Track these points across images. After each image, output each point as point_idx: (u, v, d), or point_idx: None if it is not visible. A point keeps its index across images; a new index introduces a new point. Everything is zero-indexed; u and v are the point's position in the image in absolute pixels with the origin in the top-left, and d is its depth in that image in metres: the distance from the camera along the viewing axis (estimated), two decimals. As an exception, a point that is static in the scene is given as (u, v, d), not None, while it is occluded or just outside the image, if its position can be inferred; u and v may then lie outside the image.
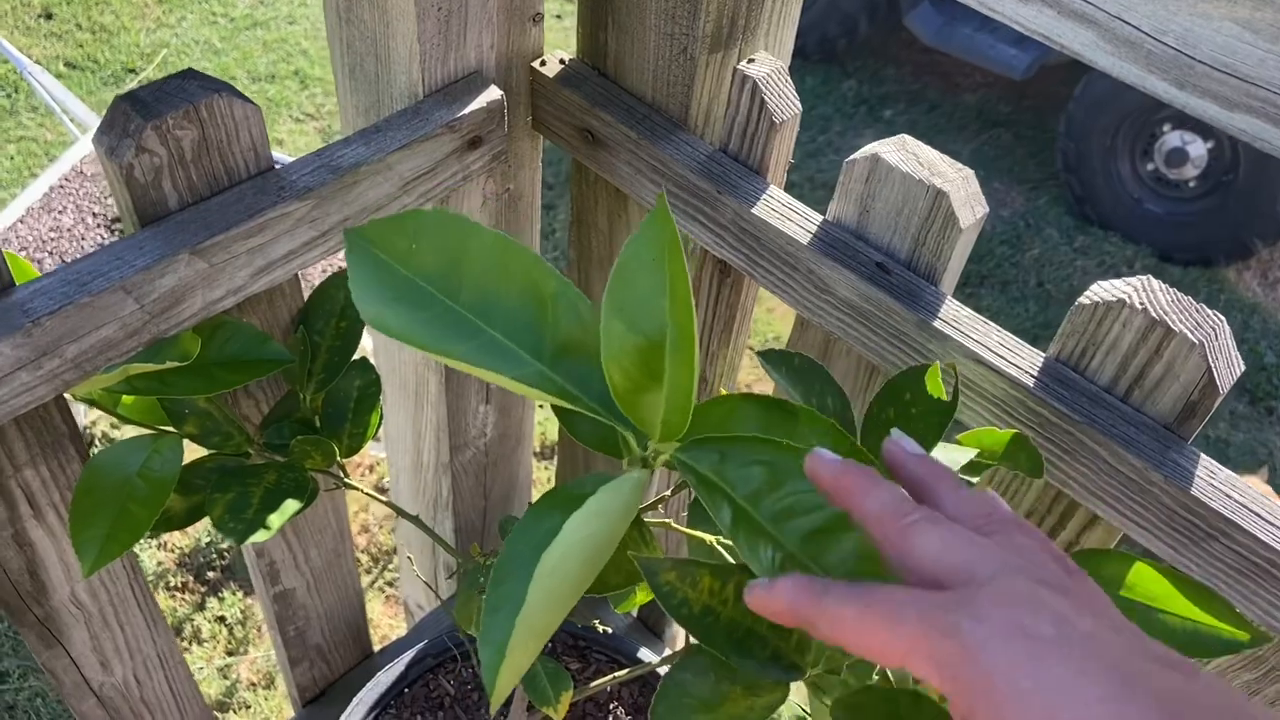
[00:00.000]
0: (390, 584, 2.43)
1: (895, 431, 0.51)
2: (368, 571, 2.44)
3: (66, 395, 0.79)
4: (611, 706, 1.16)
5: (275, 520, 0.81)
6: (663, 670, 1.18)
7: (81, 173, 2.57)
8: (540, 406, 2.78)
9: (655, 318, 0.50)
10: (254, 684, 2.24)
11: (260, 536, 0.79)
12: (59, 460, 0.80)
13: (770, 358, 0.63)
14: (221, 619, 2.33)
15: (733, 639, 0.52)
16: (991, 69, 3.70)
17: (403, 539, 1.43)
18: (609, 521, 0.49)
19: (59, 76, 3.65)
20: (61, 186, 2.57)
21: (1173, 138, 3.46)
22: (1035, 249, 3.48)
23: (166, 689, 1.04)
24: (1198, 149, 3.43)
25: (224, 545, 2.43)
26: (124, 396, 0.82)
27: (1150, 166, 3.53)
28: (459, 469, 1.21)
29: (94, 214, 2.53)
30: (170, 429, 0.84)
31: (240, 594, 2.38)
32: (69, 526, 0.76)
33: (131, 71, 3.67)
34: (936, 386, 0.61)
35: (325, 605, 1.17)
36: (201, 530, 2.45)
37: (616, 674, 0.90)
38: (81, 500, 0.76)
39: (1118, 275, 3.44)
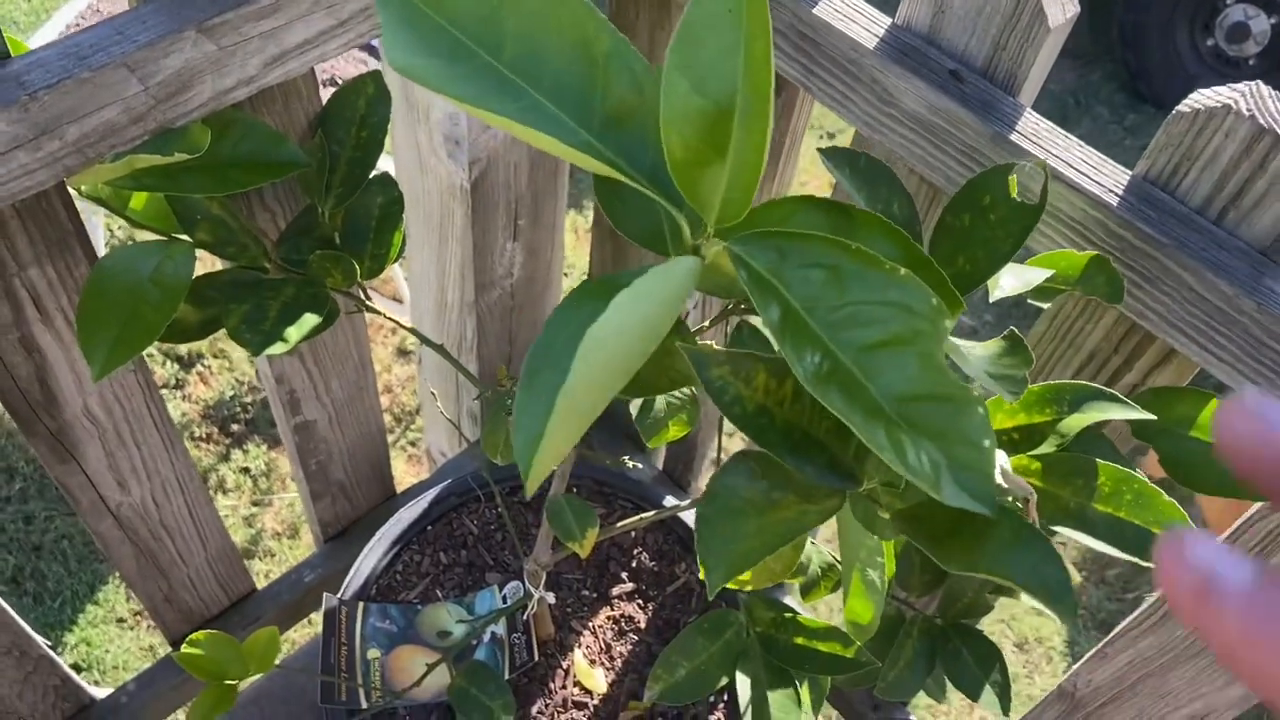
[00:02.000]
0: (413, 443, 2.43)
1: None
2: (390, 431, 2.43)
3: (73, 192, 0.74)
4: (635, 552, 1.14)
5: (293, 334, 0.77)
6: (687, 515, 1.15)
7: (98, 10, 2.48)
8: (565, 274, 2.72)
9: (727, 78, 0.43)
10: (278, 533, 2.26)
11: (277, 349, 0.75)
12: (66, 262, 0.75)
13: (834, 156, 0.57)
14: (246, 470, 2.34)
15: (789, 441, 0.48)
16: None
17: (426, 379, 1.39)
18: (658, 305, 0.44)
19: (72, -85, 3.50)
20: (78, 24, 2.48)
21: (1235, 11, 3.27)
22: (1084, 126, 3.34)
23: (186, 513, 1.02)
24: (1260, 24, 3.25)
25: (248, 399, 2.42)
26: (133, 197, 0.77)
27: (1210, 42, 3.35)
28: (484, 310, 1.16)
29: (110, 56, 2.45)
30: (183, 236, 0.79)
31: (265, 446, 2.38)
32: (76, 326, 0.72)
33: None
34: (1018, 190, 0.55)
35: (348, 441, 1.14)
36: (226, 383, 2.44)
37: (643, 514, 0.87)
38: (89, 301, 0.72)
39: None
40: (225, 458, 2.34)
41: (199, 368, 2.48)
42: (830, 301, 0.44)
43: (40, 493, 2.24)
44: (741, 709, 0.81)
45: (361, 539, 1.14)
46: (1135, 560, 0.52)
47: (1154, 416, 0.55)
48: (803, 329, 0.44)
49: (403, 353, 2.61)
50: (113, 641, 2.10)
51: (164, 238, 0.78)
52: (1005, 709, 0.87)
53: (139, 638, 2.10)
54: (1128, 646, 0.88)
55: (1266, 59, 3.30)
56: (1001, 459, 0.57)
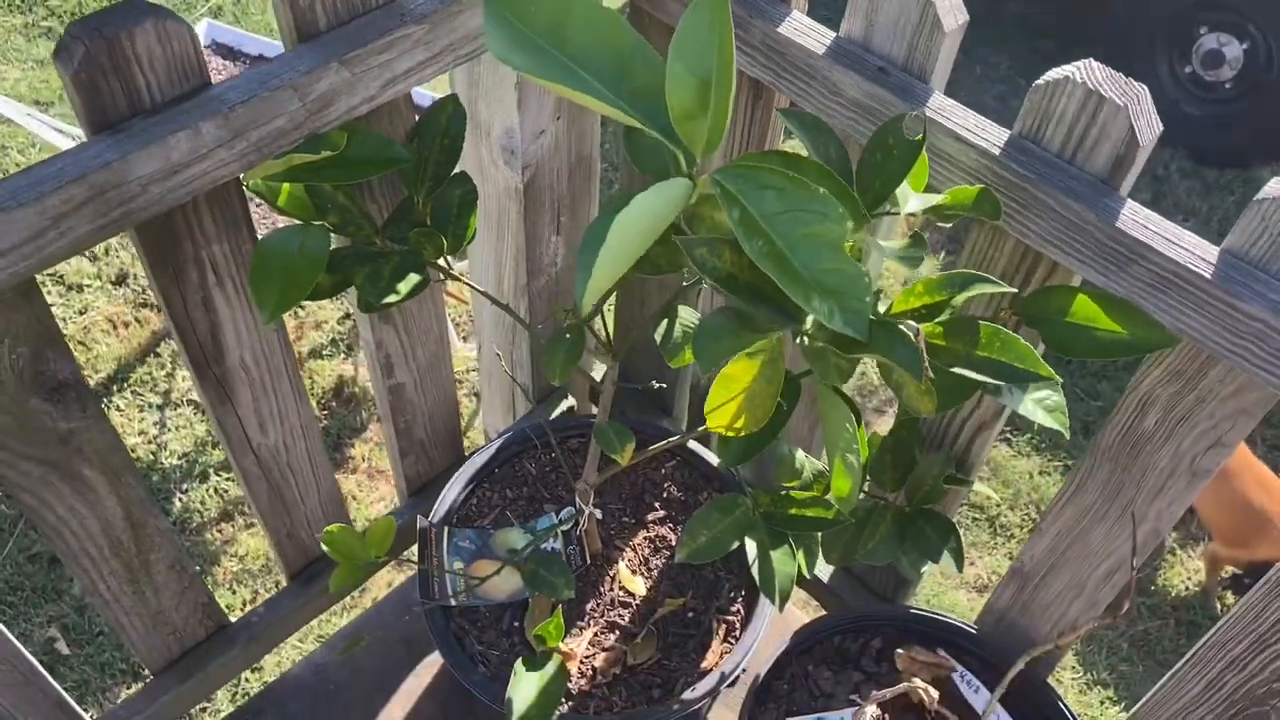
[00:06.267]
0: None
1: None
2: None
3: (243, 185, 1.01)
4: (666, 485, 1.38)
5: (403, 288, 1.03)
6: (708, 455, 1.39)
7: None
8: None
9: (706, 63, 0.69)
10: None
11: (391, 299, 1.02)
12: (235, 240, 1.02)
13: (787, 114, 0.83)
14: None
15: (750, 294, 0.73)
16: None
17: (490, 347, 1.65)
18: (663, 203, 0.69)
19: None
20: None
21: (1209, 39, 3.53)
22: (1071, 151, 3.58)
23: (307, 458, 1.28)
24: (1234, 50, 3.50)
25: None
26: (282, 190, 1.04)
27: (1187, 69, 3.61)
28: (534, 294, 1.43)
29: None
30: (318, 221, 1.06)
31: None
32: (250, 283, 0.98)
33: (207, -1, 3.89)
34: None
35: (429, 403, 1.40)
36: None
37: (670, 438, 1.11)
38: (258, 266, 0.98)
39: (1153, 178, 3.54)
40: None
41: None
42: (774, 209, 0.70)
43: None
44: (749, 563, 1.04)
45: (439, 493, 1.38)
46: (995, 383, 0.76)
47: (1014, 290, 0.80)
48: (753, 223, 0.69)
49: (464, 359, 2.87)
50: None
51: (303, 223, 1.05)
52: (959, 567, 1.10)
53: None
54: (1056, 519, 1.11)
55: (1242, 82, 3.55)
56: (913, 325, 0.82)
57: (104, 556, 1.11)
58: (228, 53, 2.90)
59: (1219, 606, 2.58)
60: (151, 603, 1.21)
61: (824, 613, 1.47)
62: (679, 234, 0.79)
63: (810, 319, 0.75)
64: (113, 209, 0.85)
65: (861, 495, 1.18)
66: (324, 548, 1.06)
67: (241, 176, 0.97)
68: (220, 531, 2.52)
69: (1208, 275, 0.82)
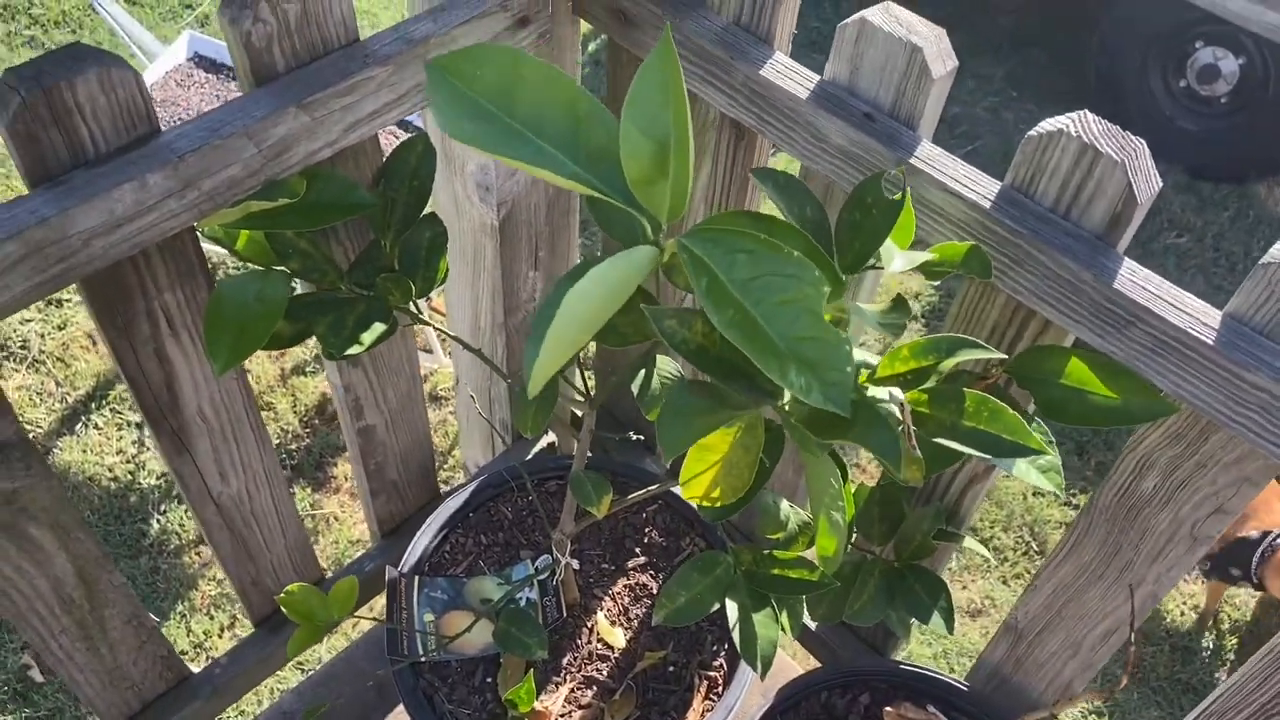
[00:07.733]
0: (445, 482, 2.63)
1: None
2: (427, 464, 2.62)
3: (198, 232, 0.96)
4: (647, 530, 1.34)
5: (367, 338, 0.98)
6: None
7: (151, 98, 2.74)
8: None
9: (661, 126, 0.65)
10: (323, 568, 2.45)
11: (355, 350, 0.97)
12: (191, 287, 0.97)
13: (760, 174, 0.78)
14: (295, 508, 2.53)
15: (721, 369, 0.68)
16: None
17: (465, 384, 1.60)
18: (622, 273, 0.64)
19: (124, 13, 3.81)
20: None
21: (1205, 54, 3.49)
22: (1065, 166, 3.54)
23: (271, 505, 1.23)
24: (1229, 65, 3.46)
25: (293, 446, 2.64)
26: (241, 235, 0.99)
27: (1182, 83, 3.57)
28: (512, 330, 1.38)
29: (167, 138, 2.70)
30: (279, 267, 1.01)
31: (309, 490, 2.59)
32: (204, 333, 0.93)
33: (189, 6, 3.84)
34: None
35: (400, 445, 1.35)
36: (272, 433, 2.66)
37: (649, 487, 1.07)
38: (212, 315, 0.94)
39: (1147, 191, 3.51)
40: (278, 495, 2.54)
41: (251, 415, 2.69)
42: (746, 275, 0.65)
43: (105, 539, 2.46)
44: (730, 626, 1.00)
45: (413, 534, 1.34)
46: (988, 458, 0.71)
47: (1004, 356, 0.75)
48: (723, 292, 0.64)
49: (434, 399, 2.82)
50: (181, 664, 2.28)
51: (263, 268, 1.00)
52: (950, 629, 1.05)
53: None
54: (1051, 576, 1.06)
55: (1237, 97, 3.51)
56: (898, 394, 0.77)
57: (54, 615, 1.06)
58: (211, 66, 2.84)
59: (1210, 622, 2.55)
60: (107, 659, 1.16)
61: (811, 661, 1.43)
62: (652, 293, 0.75)
63: (789, 393, 0.71)
64: (51, 265, 0.80)
65: (848, 548, 1.14)
66: (283, 609, 1.01)
67: (196, 224, 0.92)
68: (199, 554, 2.47)
69: (1209, 341, 0.78)
